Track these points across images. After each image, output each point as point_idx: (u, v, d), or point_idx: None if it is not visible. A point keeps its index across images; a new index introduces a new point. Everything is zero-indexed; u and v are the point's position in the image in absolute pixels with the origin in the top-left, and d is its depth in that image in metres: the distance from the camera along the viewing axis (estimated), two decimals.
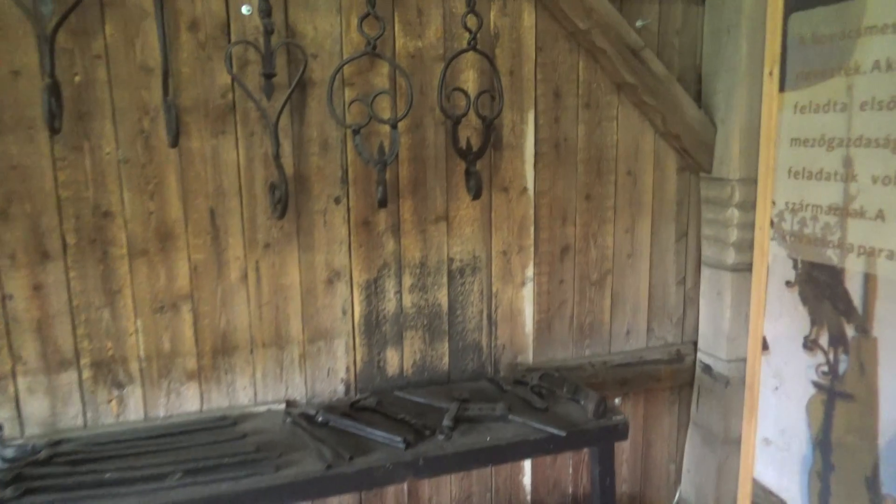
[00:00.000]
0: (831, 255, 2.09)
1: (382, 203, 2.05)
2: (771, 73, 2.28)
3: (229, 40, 2.01)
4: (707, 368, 2.72)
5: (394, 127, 2.05)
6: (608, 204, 2.58)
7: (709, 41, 2.55)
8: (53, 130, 1.76)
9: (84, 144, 1.93)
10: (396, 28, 2.19)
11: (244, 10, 2.00)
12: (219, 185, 2.09)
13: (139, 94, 1.96)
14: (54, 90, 1.75)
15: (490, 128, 2.19)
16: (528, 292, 2.53)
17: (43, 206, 1.92)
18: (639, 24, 2.46)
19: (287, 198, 2.02)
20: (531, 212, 2.47)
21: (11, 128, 1.84)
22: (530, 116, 2.39)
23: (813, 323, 2.18)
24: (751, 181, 2.46)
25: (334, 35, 2.13)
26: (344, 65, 2.00)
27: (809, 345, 2.19)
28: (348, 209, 2.24)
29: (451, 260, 2.40)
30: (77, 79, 1.89)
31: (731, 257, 2.55)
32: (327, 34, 2.12)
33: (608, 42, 2.31)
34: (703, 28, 2.58)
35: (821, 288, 2.13)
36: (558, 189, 2.49)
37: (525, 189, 2.45)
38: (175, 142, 1.88)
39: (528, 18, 2.33)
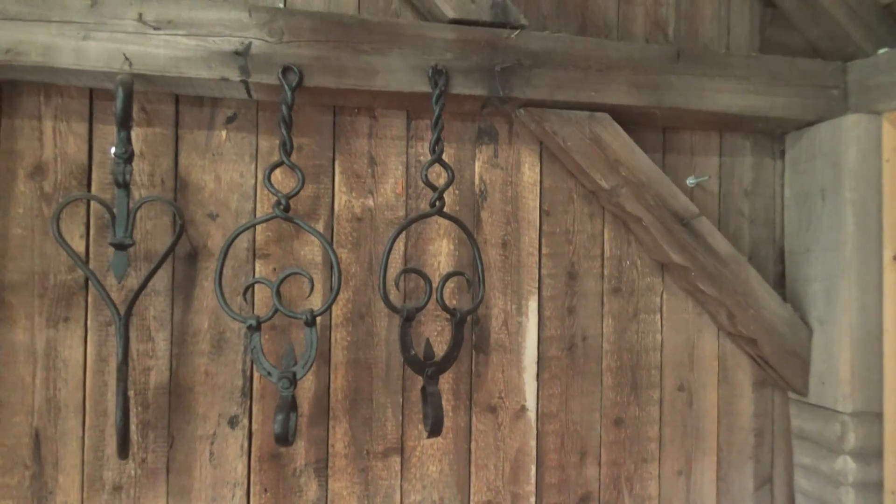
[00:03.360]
0: None
1: (281, 440, 1.31)
2: None
3: (89, 191, 1.42)
4: None
5: (309, 325, 1.35)
6: (650, 433, 1.75)
7: (794, 208, 1.81)
8: None
9: None
10: (337, 180, 1.56)
11: (113, 151, 1.42)
12: (51, 396, 1.41)
13: None
14: None
15: (462, 325, 1.47)
16: None
17: None
18: (691, 182, 1.76)
19: (126, 428, 1.31)
20: (532, 443, 1.67)
21: None
22: (532, 305, 1.66)
23: None
24: (872, 416, 1.61)
25: (245, 188, 1.51)
26: (241, 232, 1.36)
27: None
28: (249, 435, 1.51)
29: None
30: None
31: None
32: (234, 187, 1.50)
33: (644, 207, 1.61)
34: (785, 189, 1.85)
35: None
36: (573, 410, 1.70)
37: (523, 409, 1.66)
38: None
39: (531, 172, 1.67)
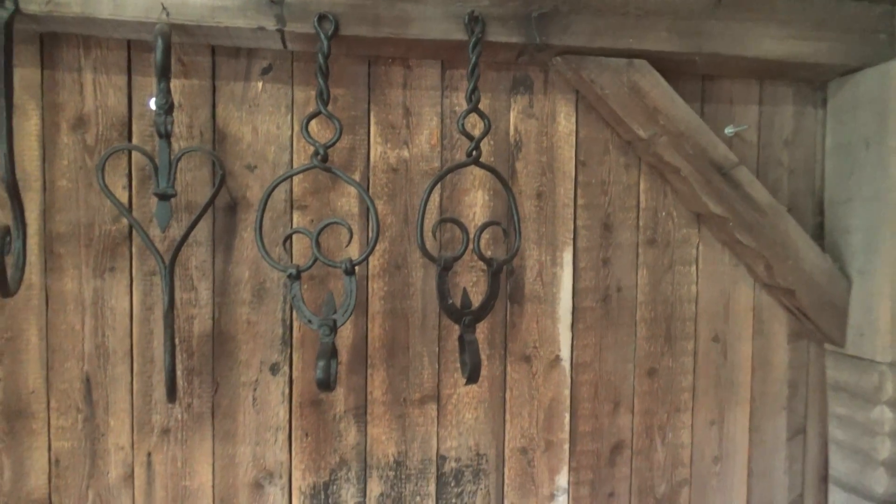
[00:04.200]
0: None
1: (324, 385, 1.35)
2: None
3: (130, 143, 1.44)
4: None
5: (348, 273, 1.37)
6: (683, 383, 1.76)
7: (835, 157, 1.77)
8: None
9: None
10: (373, 131, 1.56)
11: (152, 103, 1.44)
12: (100, 343, 1.46)
13: None
14: None
15: (499, 275, 1.48)
16: None
17: None
18: (729, 131, 1.73)
19: (174, 372, 1.35)
20: (566, 392, 1.69)
21: None
22: (566, 256, 1.67)
23: None
24: None
25: (281, 140, 1.52)
26: (279, 182, 1.37)
27: None
28: (290, 382, 1.55)
29: (442, 459, 1.63)
30: None
31: (880, 483, 1.64)
32: (271, 139, 1.51)
33: (683, 156, 1.58)
34: (826, 139, 1.80)
35: None
36: (607, 360, 1.71)
37: (557, 359, 1.68)
38: (6, 287, 1.25)
39: (566, 122, 1.65)
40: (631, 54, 1.53)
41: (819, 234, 1.80)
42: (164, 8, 1.30)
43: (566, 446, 1.70)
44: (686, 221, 1.74)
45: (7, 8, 1.23)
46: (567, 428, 1.70)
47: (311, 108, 1.50)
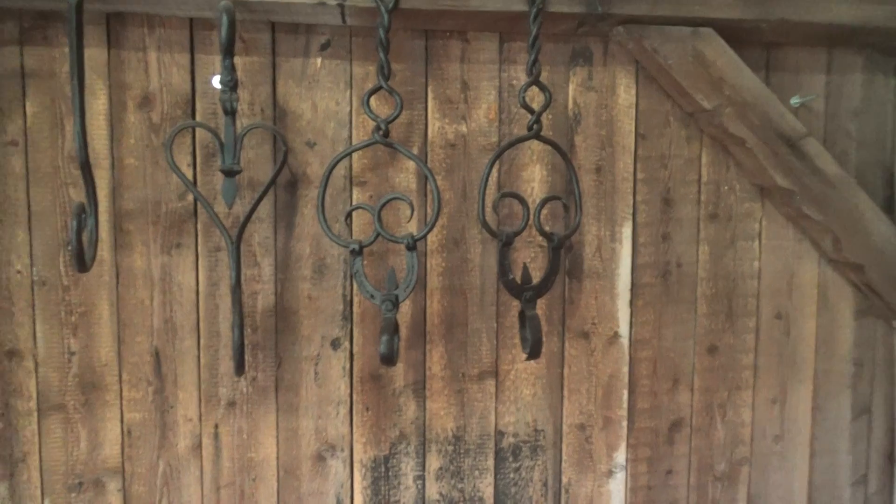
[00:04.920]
0: None
1: (387, 360, 1.36)
2: None
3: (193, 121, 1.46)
4: None
5: (410, 248, 1.38)
6: (744, 361, 1.73)
7: None
8: None
9: None
10: (430, 106, 1.55)
11: (215, 81, 1.45)
12: (168, 318, 1.50)
13: (66, 192, 1.43)
14: None
15: (560, 250, 1.46)
16: (616, 487, 1.70)
17: None
18: (795, 101, 1.67)
19: (242, 347, 1.37)
20: (624, 369, 1.67)
21: None
22: (626, 232, 1.64)
23: None
24: None
25: (340, 116, 1.52)
26: (341, 158, 1.38)
27: None
28: (351, 357, 1.57)
29: (500, 434, 1.64)
30: None
31: None
32: (330, 115, 1.52)
33: (749, 128, 1.54)
34: None
35: None
36: (666, 337, 1.69)
37: (616, 336, 1.66)
38: (83, 263, 1.29)
39: (626, 94, 1.62)
40: (695, 22, 1.49)
41: (889, 207, 1.74)
42: None
43: (624, 423, 1.69)
44: (749, 195, 1.69)
45: None
46: (625, 405, 1.69)
47: (369, 84, 1.50)
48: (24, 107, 1.41)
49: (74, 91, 1.24)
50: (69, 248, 1.41)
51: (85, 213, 1.27)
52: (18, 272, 1.43)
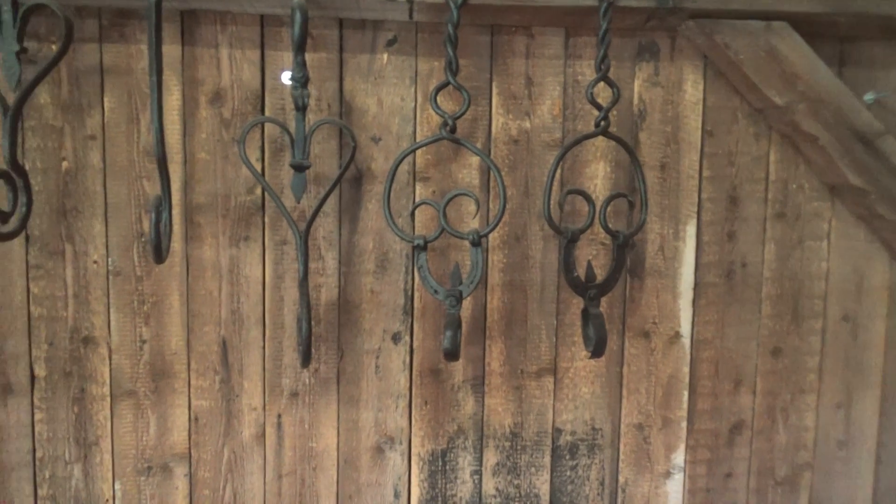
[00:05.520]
0: None
1: (450, 355, 1.36)
2: None
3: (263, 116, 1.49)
4: None
5: (475, 244, 1.38)
6: (809, 364, 1.69)
7: None
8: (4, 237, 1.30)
9: (65, 249, 1.47)
10: (494, 102, 1.55)
11: (284, 77, 1.48)
12: (235, 309, 1.53)
13: (140, 185, 1.47)
14: (10, 180, 1.29)
15: (625, 247, 1.45)
16: (674, 488, 1.68)
17: (9, 326, 1.47)
18: (869, 98, 1.62)
19: (310, 339, 1.39)
20: (685, 369, 1.65)
21: None
22: (690, 230, 1.62)
23: None
24: None
25: (405, 112, 1.53)
26: (407, 154, 1.39)
27: None
28: (411, 351, 1.58)
29: (557, 431, 1.64)
30: (65, 165, 1.45)
31: None
32: (395, 110, 1.53)
33: (822, 124, 1.50)
34: None
35: None
36: (729, 338, 1.66)
37: (677, 335, 1.64)
38: (160, 255, 1.32)
39: (693, 90, 1.59)
40: (768, 16, 1.45)
41: None
42: None
43: (684, 424, 1.67)
44: (819, 194, 1.65)
45: None
46: (685, 406, 1.66)
47: (434, 80, 1.50)
48: (103, 102, 1.45)
49: (153, 87, 1.27)
50: (146, 240, 1.46)
51: (161, 206, 1.30)
52: (95, 262, 1.48)
